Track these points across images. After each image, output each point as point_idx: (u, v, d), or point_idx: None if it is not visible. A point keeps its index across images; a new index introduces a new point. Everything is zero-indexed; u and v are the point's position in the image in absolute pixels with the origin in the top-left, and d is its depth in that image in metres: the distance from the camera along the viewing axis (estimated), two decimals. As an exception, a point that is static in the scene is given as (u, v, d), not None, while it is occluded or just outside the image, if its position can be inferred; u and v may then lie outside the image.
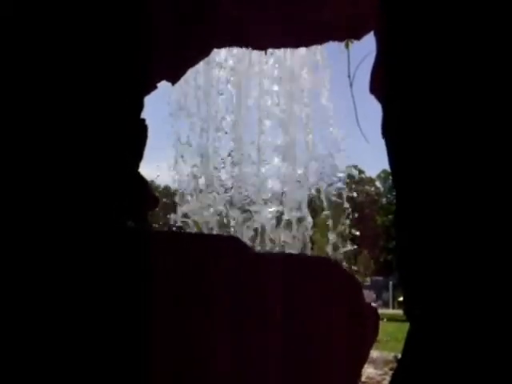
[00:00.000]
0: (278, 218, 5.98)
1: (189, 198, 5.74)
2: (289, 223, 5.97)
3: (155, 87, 2.96)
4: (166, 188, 16.40)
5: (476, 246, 2.05)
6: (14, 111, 2.41)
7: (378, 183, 37.53)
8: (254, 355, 2.37)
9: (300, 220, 5.97)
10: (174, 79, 3.09)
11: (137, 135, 2.77)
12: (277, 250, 5.89)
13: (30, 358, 2.24)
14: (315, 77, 4.80)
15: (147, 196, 2.90)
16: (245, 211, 5.85)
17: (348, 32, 3.43)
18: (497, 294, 1.99)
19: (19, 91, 2.42)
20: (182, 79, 3.37)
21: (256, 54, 4.12)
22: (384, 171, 35.14)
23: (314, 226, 6.33)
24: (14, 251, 2.30)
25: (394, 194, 2.67)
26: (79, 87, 2.49)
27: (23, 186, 2.37)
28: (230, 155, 5.55)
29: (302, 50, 4.24)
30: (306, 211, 5.97)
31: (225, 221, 5.82)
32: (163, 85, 3.10)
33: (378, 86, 2.63)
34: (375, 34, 2.70)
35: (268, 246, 5.82)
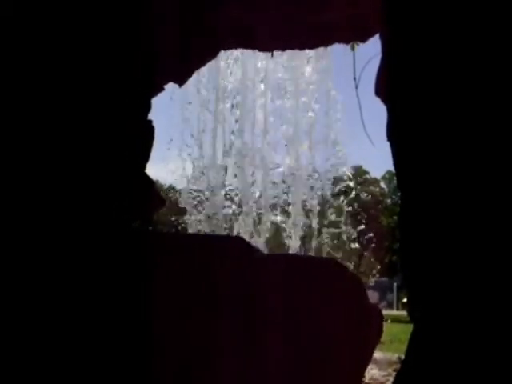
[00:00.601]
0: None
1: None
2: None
3: (162, 89, 2.97)
4: (171, 187, 16.42)
5: (480, 247, 2.06)
6: (21, 114, 2.43)
7: (382, 184, 37.44)
8: (257, 355, 2.38)
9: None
10: (181, 81, 3.11)
11: (143, 136, 2.79)
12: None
13: (29, 358, 2.26)
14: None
15: (153, 196, 2.92)
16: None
17: (353, 34, 3.44)
18: (500, 294, 2.00)
19: (27, 94, 2.44)
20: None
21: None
22: (389, 172, 35.04)
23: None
24: (17, 250, 2.32)
25: (399, 194, 2.68)
26: (87, 89, 2.51)
27: (31, 185, 2.39)
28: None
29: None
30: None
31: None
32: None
33: (384, 88, 2.64)
34: (380, 37, 2.70)
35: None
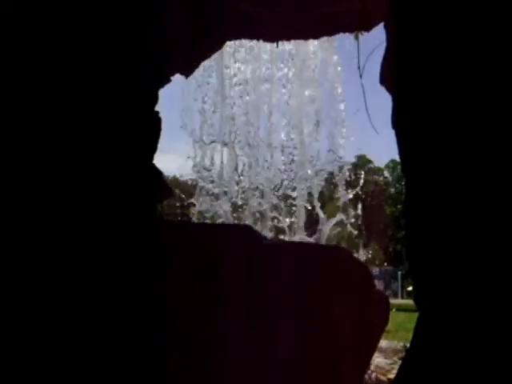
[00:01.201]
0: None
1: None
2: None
3: (169, 80, 2.99)
4: (174, 178, 16.43)
5: (484, 235, 2.08)
6: (27, 107, 2.45)
7: (386, 173, 37.38)
8: (264, 341, 2.40)
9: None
10: (187, 72, 3.13)
11: (151, 127, 2.81)
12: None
13: (34, 341, 2.28)
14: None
15: (161, 187, 2.94)
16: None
17: (358, 24, 3.45)
18: (505, 281, 2.03)
19: (33, 87, 2.46)
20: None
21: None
22: (392, 161, 34.99)
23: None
24: (23, 240, 2.35)
25: (403, 183, 2.70)
26: (94, 80, 2.53)
27: (38, 177, 2.41)
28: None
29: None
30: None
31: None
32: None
33: (388, 77, 2.65)
34: (385, 27, 2.72)
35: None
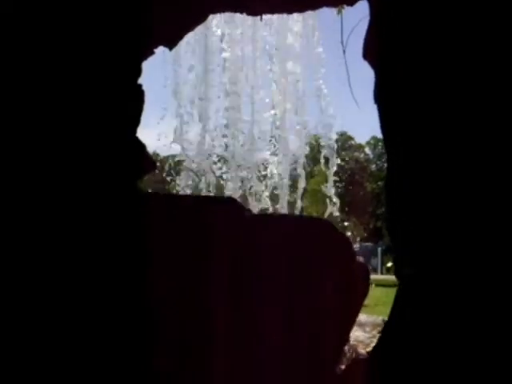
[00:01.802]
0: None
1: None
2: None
3: (153, 53, 2.98)
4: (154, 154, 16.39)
5: (464, 207, 2.13)
6: (14, 81, 2.44)
7: (367, 150, 37.52)
8: (248, 314, 2.43)
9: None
10: (171, 44, 3.12)
11: (134, 100, 2.81)
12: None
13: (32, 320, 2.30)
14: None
15: (144, 160, 2.94)
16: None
17: (341, -2, 3.45)
18: (483, 252, 2.07)
19: (16, 59, 2.44)
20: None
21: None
22: (373, 138, 35.11)
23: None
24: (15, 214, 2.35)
25: (384, 160, 2.72)
26: (76, 53, 2.52)
27: (22, 151, 2.41)
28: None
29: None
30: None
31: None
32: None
33: (371, 51, 2.66)
34: (368, 1, 2.73)
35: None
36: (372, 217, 28.80)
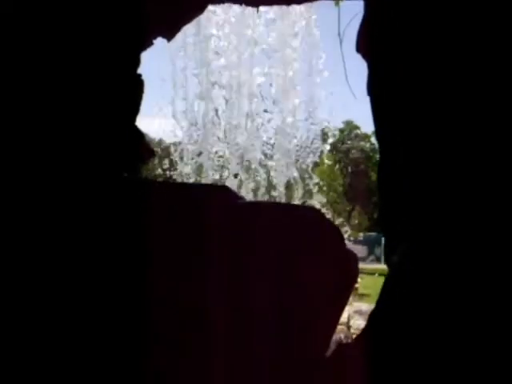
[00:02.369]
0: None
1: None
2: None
3: (151, 43, 3.03)
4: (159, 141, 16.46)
5: (456, 197, 2.18)
6: (14, 75, 2.49)
7: (373, 139, 37.33)
8: (243, 299, 2.46)
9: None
10: (169, 36, 3.17)
11: (133, 90, 2.87)
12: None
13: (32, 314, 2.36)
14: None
15: (143, 148, 3.00)
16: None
17: (339, -10, 3.49)
18: (472, 244, 2.13)
19: (16, 54, 2.50)
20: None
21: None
22: (380, 127, 34.85)
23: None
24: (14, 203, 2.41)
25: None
26: (76, 45, 2.58)
27: (20, 141, 2.47)
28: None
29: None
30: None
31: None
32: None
33: (365, 45, 2.71)
34: (363, -5, 2.77)
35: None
36: (376, 206, 28.69)
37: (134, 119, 2.92)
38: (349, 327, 5.55)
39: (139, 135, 2.96)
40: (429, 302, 2.21)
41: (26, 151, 2.47)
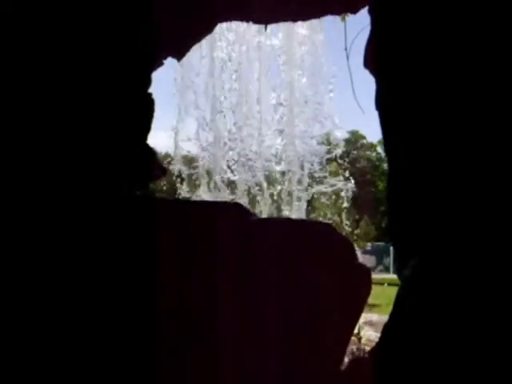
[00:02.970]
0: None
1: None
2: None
3: (162, 64, 3.06)
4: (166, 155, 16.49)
5: (464, 208, 2.19)
6: (20, 90, 2.52)
7: (379, 148, 37.32)
8: (255, 314, 2.47)
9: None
10: (179, 55, 3.20)
11: (144, 109, 2.90)
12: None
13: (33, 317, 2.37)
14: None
15: (155, 166, 3.03)
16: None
17: (344, 6, 3.52)
18: (485, 255, 2.13)
19: (24, 67, 2.53)
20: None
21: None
22: (386, 137, 34.80)
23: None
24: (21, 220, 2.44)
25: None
26: (87, 63, 2.61)
27: (32, 158, 2.50)
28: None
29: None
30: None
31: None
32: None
33: (372, 60, 2.73)
34: (369, 11, 2.79)
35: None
36: (384, 216, 28.56)
37: (145, 137, 2.95)
38: (359, 338, 5.52)
39: (150, 153, 2.98)
40: (442, 316, 2.22)
41: (39, 168, 2.50)
